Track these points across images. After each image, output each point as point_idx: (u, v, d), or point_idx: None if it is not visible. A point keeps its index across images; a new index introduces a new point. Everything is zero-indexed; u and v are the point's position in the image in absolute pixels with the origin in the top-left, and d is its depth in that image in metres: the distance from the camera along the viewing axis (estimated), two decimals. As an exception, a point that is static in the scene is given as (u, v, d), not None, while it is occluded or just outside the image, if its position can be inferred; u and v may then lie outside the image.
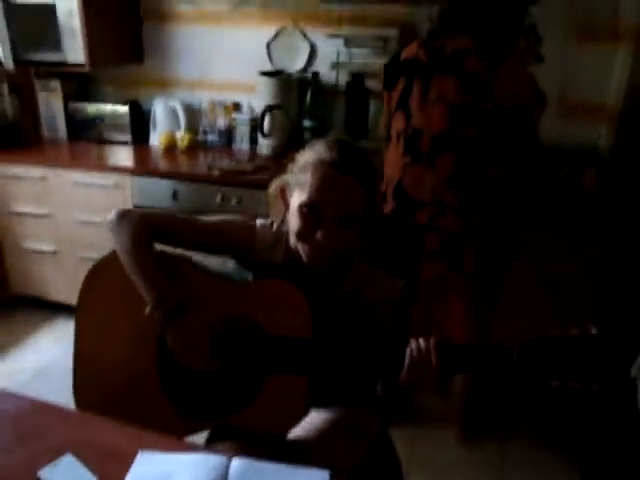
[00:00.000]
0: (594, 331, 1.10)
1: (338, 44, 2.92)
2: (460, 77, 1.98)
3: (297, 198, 1.28)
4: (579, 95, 2.71)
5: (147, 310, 1.26)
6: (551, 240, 2.33)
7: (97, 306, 1.38)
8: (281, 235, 1.38)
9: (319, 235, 1.25)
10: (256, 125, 3.02)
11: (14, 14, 3.02)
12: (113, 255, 1.34)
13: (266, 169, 2.71)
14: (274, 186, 1.39)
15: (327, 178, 1.24)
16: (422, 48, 2.08)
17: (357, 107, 2.90)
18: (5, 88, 3.27)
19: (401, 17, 2.79)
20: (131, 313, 1.31)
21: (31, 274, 3.25)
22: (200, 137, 3.24)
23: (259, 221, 1.42)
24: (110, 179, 2.90)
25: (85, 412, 1.32)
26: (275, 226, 1.40)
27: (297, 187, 1.29)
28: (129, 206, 2.83)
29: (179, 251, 1.39)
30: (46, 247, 3.16)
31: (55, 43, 3.00)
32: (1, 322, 3.30)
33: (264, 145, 2.97)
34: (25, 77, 3.34)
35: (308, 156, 1.29)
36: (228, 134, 3.19)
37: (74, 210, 3.02)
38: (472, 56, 1.97)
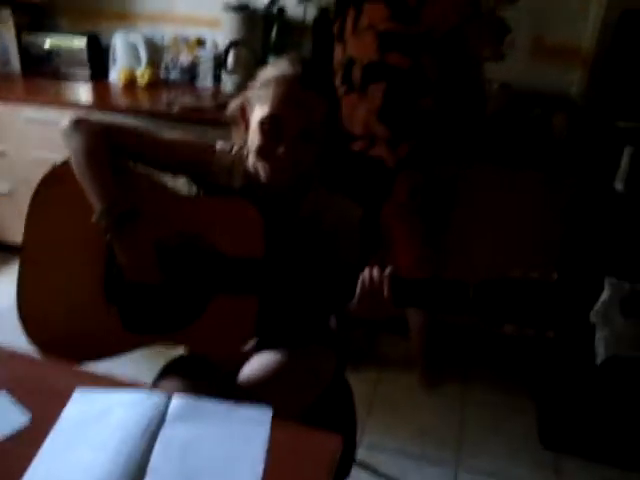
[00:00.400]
0: (555, 277, 1.06)
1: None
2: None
3: (258, 114, 1.24)
4: (554, 37, 2.64)
5: (95, 216, 1.21)
6: (515, 177, 2.29)
7: (46, 218, 1.31)
8: (240, 157, 1.34)
9: (280, 150, 1.22)
10: (220, 62, 2.90)
11: None
12: (65, 165, 1.28)
13: (229, 107, 2.61)
14: (234, 105, 1.33)
15: (289, 91, 1.21)
16: None
17: (324, 44, 2.78)
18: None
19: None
20: (81, 224, 1.26)
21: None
22: (162, 74, 3.10)
23: (219, 143, 1.38)
24: (66, 115, 2.75)
25: (32, 342, 1.27)
26: (235, 149, 1.36)
27: (258, 103, 1.25)
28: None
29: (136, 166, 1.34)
30: (1, 187, 3.04)
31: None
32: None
33: (228, 82, 2.86)
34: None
35: (270, 71, 1.26)
36: (191, 71, 3.06)
37: (29, 148, 2.89)
38: None
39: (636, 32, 2.12)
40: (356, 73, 2.06)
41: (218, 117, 2.50)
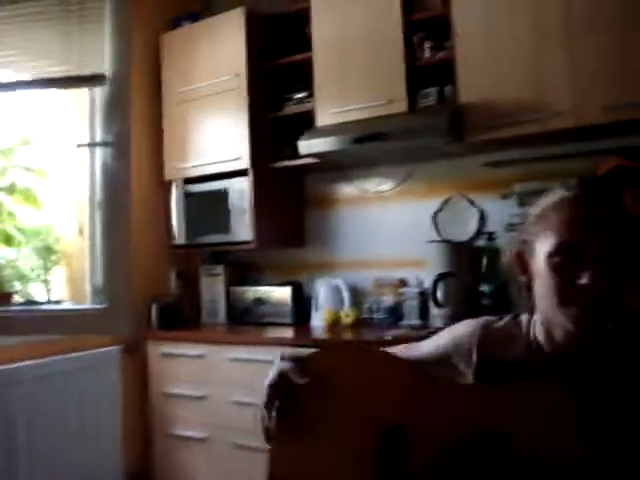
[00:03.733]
0: None
1: (510, 205, 2.71)
2: None
3: (543, 250, 1.00)
4: None
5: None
6: None
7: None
8: (518, 324, 1.11)
9: (585, 279, 0.92)
10: (426, 298, 2.78)
11: (191, 200, 3.18)
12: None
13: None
14: (508, 256, 1.12)
15: (577, 212, 0.98)
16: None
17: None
18: (172, 273, 3.34)
19: (578, 168, 2.55)
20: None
21: (178, 464, 2.95)
22: (366, 315, 3.02)
23: (484, 318, 1.18)
24: (269, 354, 2.68)
25: None
26: (506, 319, 1.14)
27: (539, 239, 1.01)
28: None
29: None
30: (197, 433, 2.89)
31: (224, 225, 3.07)
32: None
33: (438, 316, 2.68)
34: (191, 262, 3.42)
35: (545, 202, 1.04)
36: (396, 311, 2.94)
37: (231, 390, 2.80)
38: None
39: None
40: None
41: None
